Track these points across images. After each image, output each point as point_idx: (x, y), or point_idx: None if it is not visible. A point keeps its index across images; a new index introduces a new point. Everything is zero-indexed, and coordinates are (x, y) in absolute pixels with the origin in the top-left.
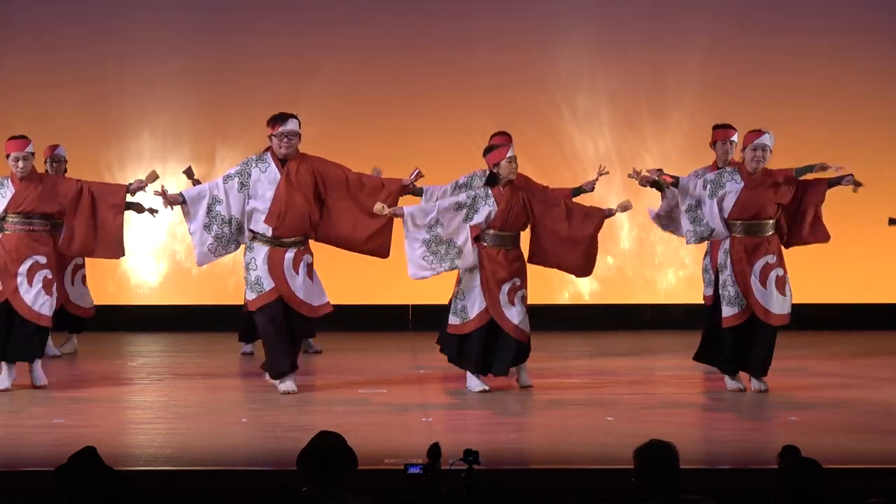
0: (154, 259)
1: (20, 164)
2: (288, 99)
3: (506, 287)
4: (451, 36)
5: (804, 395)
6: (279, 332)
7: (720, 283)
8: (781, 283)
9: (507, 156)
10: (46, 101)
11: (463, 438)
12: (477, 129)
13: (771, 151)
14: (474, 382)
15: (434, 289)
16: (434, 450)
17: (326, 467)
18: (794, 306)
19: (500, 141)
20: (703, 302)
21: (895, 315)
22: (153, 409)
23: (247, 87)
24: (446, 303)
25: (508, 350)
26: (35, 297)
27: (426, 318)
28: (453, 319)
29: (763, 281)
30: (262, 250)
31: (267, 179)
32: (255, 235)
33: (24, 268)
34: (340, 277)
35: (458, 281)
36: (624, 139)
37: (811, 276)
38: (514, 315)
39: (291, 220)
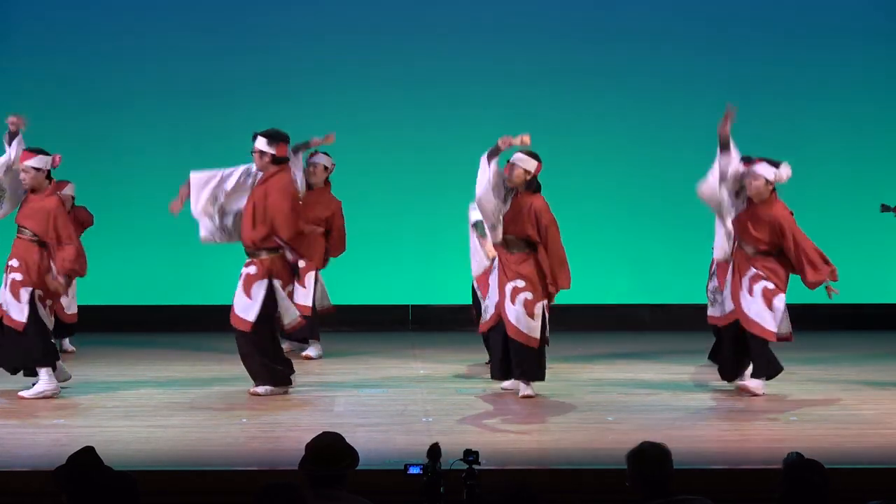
0: (154, 259)
1: (22, 175)
2: (291, 101)
3: (509, 286)
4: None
5: (804, 395)
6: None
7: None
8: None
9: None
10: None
11: (463, 438)
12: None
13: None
14: (523, 386)
15: (434, 289)
16: (434, 450)
17: (326, 466)
18: (794, 307)
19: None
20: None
21: (895, 315)
22: (153, 409)
23: (250, 93)
24: (446, 303)
25: (517, 354)
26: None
27: (426, 318)
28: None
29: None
30: None
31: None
32: None
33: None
34: (340, 277)
35: None
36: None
37: None
38: (512, 313)
39: None
